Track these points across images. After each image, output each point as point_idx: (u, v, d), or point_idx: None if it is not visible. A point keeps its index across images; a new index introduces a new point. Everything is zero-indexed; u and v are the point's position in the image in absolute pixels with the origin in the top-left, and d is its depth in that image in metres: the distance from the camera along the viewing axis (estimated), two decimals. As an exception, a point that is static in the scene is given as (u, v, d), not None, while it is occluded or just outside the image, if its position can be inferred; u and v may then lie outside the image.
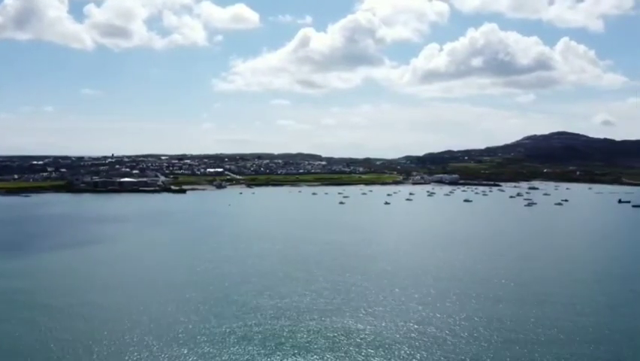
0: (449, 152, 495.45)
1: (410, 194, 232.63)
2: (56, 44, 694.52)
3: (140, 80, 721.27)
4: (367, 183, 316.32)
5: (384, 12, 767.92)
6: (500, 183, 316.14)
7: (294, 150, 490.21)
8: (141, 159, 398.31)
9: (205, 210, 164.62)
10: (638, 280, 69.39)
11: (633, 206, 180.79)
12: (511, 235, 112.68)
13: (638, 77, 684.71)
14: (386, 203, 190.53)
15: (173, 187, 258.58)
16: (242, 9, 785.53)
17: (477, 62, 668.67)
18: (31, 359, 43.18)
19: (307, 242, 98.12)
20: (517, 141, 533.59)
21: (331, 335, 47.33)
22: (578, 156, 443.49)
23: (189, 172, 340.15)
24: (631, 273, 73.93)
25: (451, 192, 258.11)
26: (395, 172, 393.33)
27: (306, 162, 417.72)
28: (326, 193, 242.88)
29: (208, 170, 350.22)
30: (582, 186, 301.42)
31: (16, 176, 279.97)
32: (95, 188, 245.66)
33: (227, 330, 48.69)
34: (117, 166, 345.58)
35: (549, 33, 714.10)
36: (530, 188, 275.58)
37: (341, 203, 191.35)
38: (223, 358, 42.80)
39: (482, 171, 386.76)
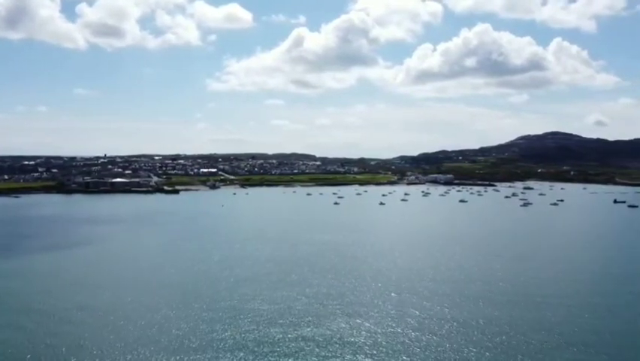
0: (443, 152, 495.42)
1: (405, 194, 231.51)
2: (49, 44, 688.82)
3: (133, 80, 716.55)
4: (362, 183, 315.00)
5: (378, 12, 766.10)
6: (495, 183, 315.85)
7: (288, 150, 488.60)
8: (134, 159, 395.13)
9: (198, 211, 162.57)
10: (637, 282, 68.32)
11: (629, 206, 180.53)
12: (508, 235, 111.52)
13: (631, 78, 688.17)
14: (381, 203, 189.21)
15: (166, 188, 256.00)
16: (235, 9, 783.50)
17: (470, 62, 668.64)
18: None
19: (301, 244, 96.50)
20: (511, 141, 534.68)
21: (325, 343, 45.76)
22: (572, 156, 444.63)
23: (183, 172, 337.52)
24: (630, 274, 72.97)
25: (446, 192, 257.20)
26: (390, 172, 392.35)
27: (301, 162, 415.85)
28: (320, 194, 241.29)
29: (202, 170, 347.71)
30: (576, 186, 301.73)
31: (6, 177, 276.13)
32: (87, 189, 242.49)
33: (218, 337, 47.02)
34: (110, 166, 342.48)
35: (542, 33, 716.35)
36: (525, 188, 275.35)
37: (336, 203, 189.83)
38: (213, 367, 41.14)
39: (477, 171, 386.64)
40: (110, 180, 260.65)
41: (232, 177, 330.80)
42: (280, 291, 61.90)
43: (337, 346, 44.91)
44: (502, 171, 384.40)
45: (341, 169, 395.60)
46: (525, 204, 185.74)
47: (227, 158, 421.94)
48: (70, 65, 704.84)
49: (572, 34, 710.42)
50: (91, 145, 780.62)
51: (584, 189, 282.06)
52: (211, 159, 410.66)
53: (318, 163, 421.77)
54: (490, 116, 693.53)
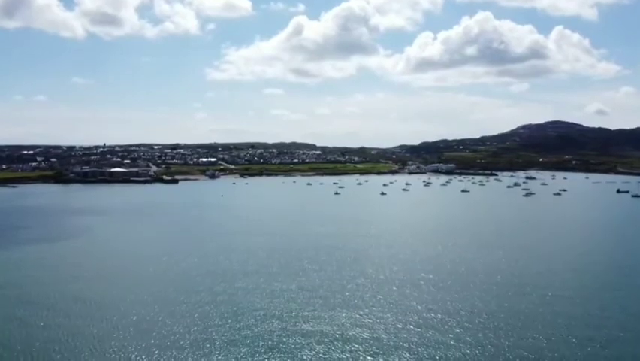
0: (444, 141, 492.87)
1: (406, 184, 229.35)
2: (46, 33, 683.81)
3: (132, 69, 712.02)
4: (362, 172, 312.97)
5: (378, 0, 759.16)
6: (496, 173, 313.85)
7: (288, 140, 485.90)
8: (133, 148, 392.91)
9: (196, 201, 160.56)
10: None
11: (633, 196, 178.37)
12: (512, 226, 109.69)
13: (632, 66, 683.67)
14: (382, 193, 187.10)
15: (165, 177, 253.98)
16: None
17: (471, 50, 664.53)
18: (10, 356, 40.61)
19: (301, 235, 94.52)
20: (512, 130, 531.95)
21: (326, 340, 43.74)
22: (573, 145, 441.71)
23: (182, 162, 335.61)
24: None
25: (447, 182, 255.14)
26: (390, 161, 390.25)
27: (301, 152, 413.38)
28: (321, 183, 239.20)
29: (201, 160, 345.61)
30: (578, 176, 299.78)
31: (4, 166, 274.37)
32: (85, 178, 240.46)
33: (214, 333, 45.05)
34: (108, 156, 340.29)
35: (543, 21, 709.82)
36: (527, 177, 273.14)
37: (336, 194, 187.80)
38: (208, 366, 39.18)
39: (478, 161, 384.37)
40: (108, 170, 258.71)
41: (232, 166, 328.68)
42: (279, 284, 59.89)
43: (338, 344, 42.87)
44: (503, 161, 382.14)
45: (341, 158, 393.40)
46: (528, 194, 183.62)
47: (227, 147, 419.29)
48: (68, 53, 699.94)
49: (574, 22, 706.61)
50: (90, 135, 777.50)
51: (587, 178, 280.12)
52: (211, 149, 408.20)
53: (318, 152, 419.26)
54: (490, 106, 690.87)
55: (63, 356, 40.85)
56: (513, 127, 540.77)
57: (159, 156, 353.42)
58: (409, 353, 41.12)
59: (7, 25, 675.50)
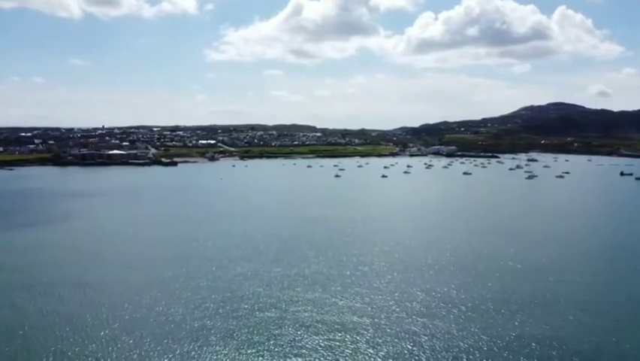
0: (445, 123, 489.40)
1: (407, 166, 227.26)
2: (42, 13, 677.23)
3: (130, 50, 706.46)
4: (363, 154, 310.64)
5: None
6: (498, 155, 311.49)
7: (288, 122, 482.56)
8: (132, 130, 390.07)
9: (195, 184, 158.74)
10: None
11: (637, 179, 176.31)
12: (515, 210, 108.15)
13: (635, 47, 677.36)
14: (383, 176, 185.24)
15: (163, 160, 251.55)
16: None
17: (473, 31, 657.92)
18: (7, 342, 40.10)
19: (301, 219, 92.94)
20: (514, 112, 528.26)
21: (325, 330, 42.40)
22: (575, 127, 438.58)
23: (181, 144, 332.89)
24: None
25: (449, 164, 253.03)
26: (391, 143, 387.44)
27: (301, 134, 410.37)
28: (321, 166, 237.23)
29: (200, 142, 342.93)
30: (581, 158, 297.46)
31: (1, 149, 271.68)
32: (83, 160, 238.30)
33: (209, 322, 43.67)
34: (107, 138, 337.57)
35: (546, 1, 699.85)
36: (529, 160, 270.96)
37: (337, 176, 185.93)
38: (204, 356, 37.75)
39: (479, 143, 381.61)
40: (106, 152, 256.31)
41: (231, 148, 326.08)
42: (278, 271, 58.45)
43: (339, 335, 41.46)
44: (504, 143, 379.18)
45: (342, 140, 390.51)
46: (530, 177, 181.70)
47: (227, 129, 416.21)
48: (65, 34, 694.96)
49: (576, 2, 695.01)
50: (90, 116, 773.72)
51: (589, 160, 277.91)
52: (210, 131, 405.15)
53: (318, 134, 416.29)
54: (491, 87, 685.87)
55: (58, 341, 39.92)
56: (515, 109, 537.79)
57: (158, 138, 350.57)
58: (410, 343, 39.69)
59: (4, 6, 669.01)
